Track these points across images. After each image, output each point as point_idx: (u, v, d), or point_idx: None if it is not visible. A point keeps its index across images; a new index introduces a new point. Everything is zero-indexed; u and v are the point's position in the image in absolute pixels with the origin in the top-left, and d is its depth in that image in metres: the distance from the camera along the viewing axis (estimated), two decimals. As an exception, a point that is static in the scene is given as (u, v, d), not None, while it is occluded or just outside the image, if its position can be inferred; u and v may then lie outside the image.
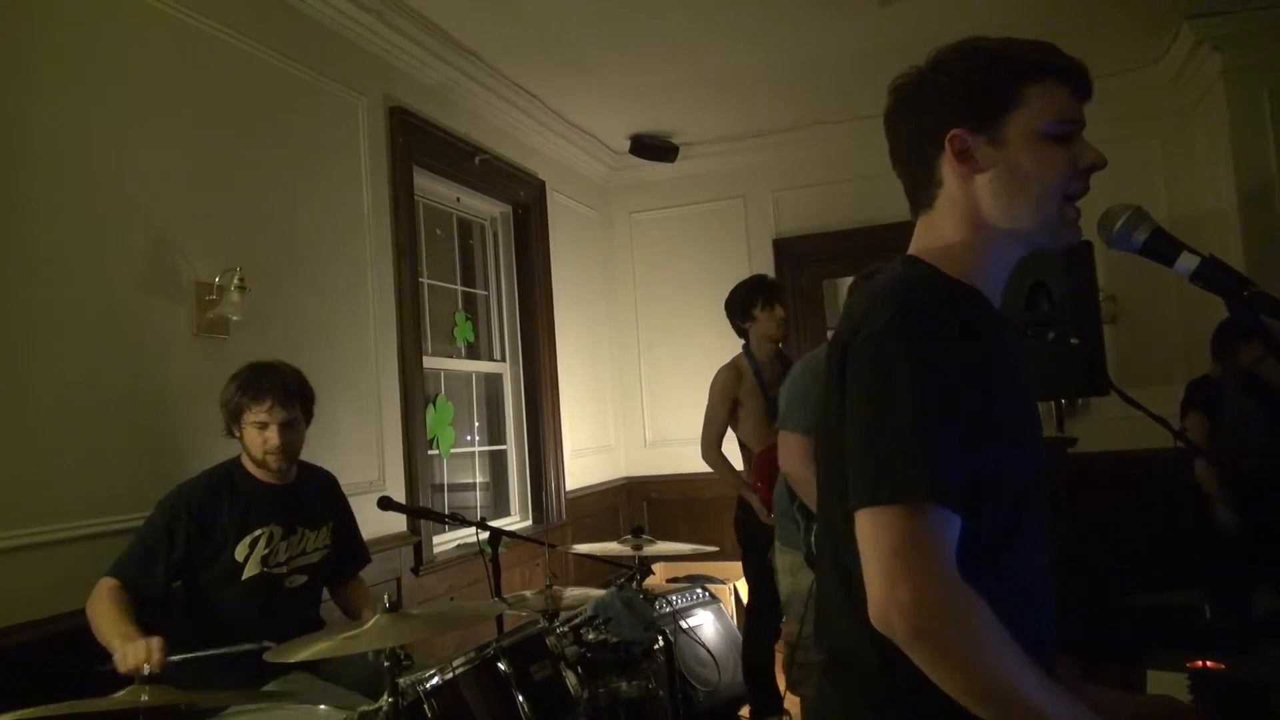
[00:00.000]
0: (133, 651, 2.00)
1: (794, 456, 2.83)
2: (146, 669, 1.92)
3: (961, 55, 1.19)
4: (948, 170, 1.19)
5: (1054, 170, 1.15)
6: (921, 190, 1.23)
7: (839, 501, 1.14)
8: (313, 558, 2.58)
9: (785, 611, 3.10)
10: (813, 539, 2.79)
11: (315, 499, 2.66)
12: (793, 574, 2.95)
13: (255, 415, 2.43)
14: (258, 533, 2.45)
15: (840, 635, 1.19)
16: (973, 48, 1.19)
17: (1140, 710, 1.27)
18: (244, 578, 2.41)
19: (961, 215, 1.19)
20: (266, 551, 2.45)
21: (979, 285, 1.18)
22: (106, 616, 2.17)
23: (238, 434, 2.49)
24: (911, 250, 1.24)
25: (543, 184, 5.07)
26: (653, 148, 5.56)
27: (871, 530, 1.04)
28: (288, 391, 2.47)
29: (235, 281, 2.75)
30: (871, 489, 1.04)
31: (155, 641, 2.04)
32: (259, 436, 2.45)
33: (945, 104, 1.17)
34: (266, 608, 2.43)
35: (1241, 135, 4.34)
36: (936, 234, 1.22)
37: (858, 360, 1.10)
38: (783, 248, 5.66)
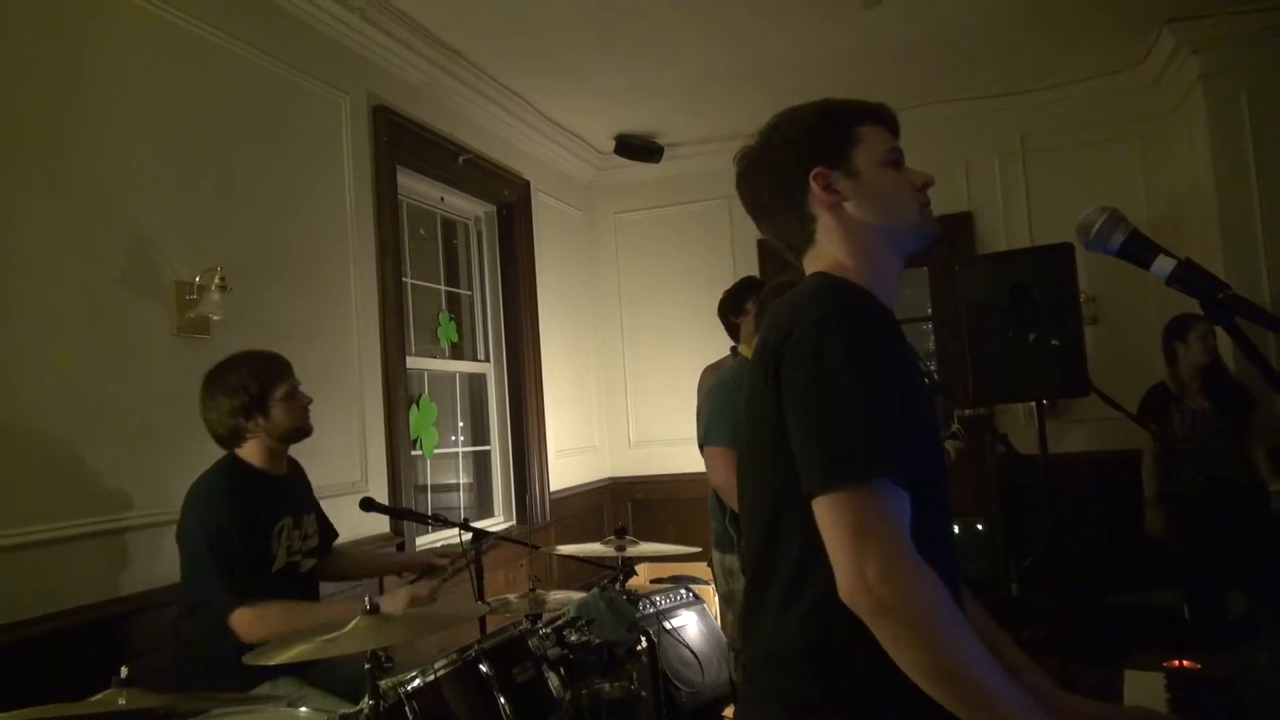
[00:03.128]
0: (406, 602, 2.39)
1: (722, 470, 2.90)
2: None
3: (796, 113, 1.37)
4: (817, 205, 1.32)
5: (901, 188, 1.32)
6: (798, 231, 1.35)
7: (768, 504, 1.22)
8: (313, 541, 2.63)
9: (729, 615, 3.14)
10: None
11: (302, 486, 2.71)
12: (734, 577, 2.99)
13: (283, 388, 2.48)
14: (280, 525, 2.49)
15: (770, 635, 1.22)
16: (803, 107, 1.38)
17: None
18: (274, 569, 2.45)
19: (842, 237, 1.31)
20: (289, 543, 2.50)
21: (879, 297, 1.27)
22: (300, 613, 2.28)
23: (255, 423, 2.44)
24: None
25: (527, 184, 5.06)
26: (638, 148, 5.56)
27: (832, 514, 1.09)
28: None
29: (216, 281, 2.73)
30: (826, 475, 1.10)
31: (414, 589, 2.46)
32: (290, 406, 2.48)
33: (799, 150, 1.33)
34: (289, 595, 2.44)
35: (1220, 138, 4.39)
36: (828, 260, 1.32)
37: (795, 357, 1.15)
38: (767, 249, 5.65)
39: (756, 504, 1.27)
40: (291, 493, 2.61)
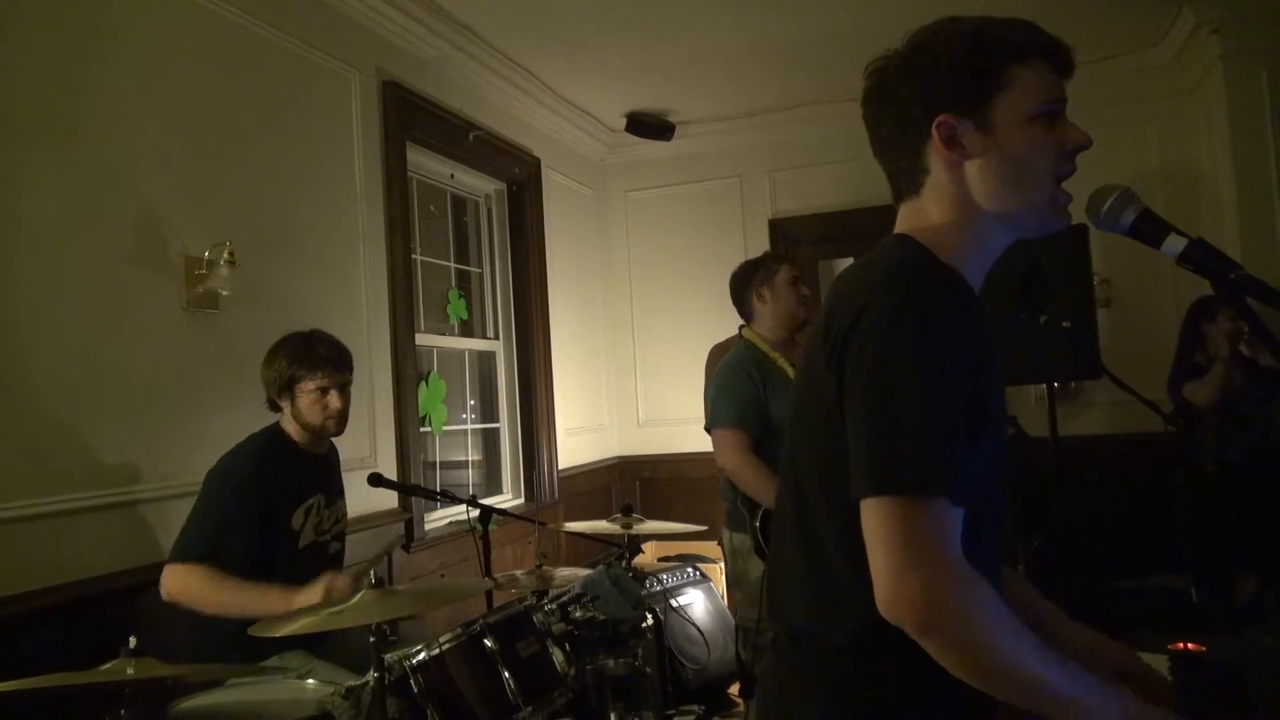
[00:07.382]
0: (323, 594, 2.18)
1: (731, 451, 2.91)
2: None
3: (942, 37, 1.15)
4: (935, 157, 1.16)
5: (1044, 153, 1.13)
6: (906, 177, 1.20)
7: (820, 485, 1.14)
8: (343, 525, 2.66)
9: (737, 594, 3.15)
10: (758, 526, 2.85)
11: (337, 469, 2.75)
12: (743, 557, 3.00)
13: (313, 383, 2.49)
14: (310, 502, 2.52)
15: (800, 614, 1.19)
16: (952, 29, 1.16)
17: (1120, 665, 1.30)
18: (300, 546, 2.47)
19: (951, 202, 1.17)
20: (317, 520, 2.53)
21: (966, 270, 1.17)
22: (240, 590, 2.24)
23: (285, 404, 2.53)
24: (900, 230, 1.22)
25: (538, 161, 5.04)
26: (649, 126, 5.52)
27: (881, 520, 1.03)
28: (341, 356, 2.56)
29: (225, 256, 2.73)
30: (881, 479, 1.03)
31: (331, 579, 2.23)
32: (319, 403, 2.50)
33: (929, 89, 1.14)
34: (314, 576, 2.44)
35: (1240, 118, 4.32)
36: (924, 218, 1.19)
37: (863, 346, 1.07)
38: (778, 228, 5.63)
39: (800, 475, 1.19)
40: (326, 473, 2.66)
